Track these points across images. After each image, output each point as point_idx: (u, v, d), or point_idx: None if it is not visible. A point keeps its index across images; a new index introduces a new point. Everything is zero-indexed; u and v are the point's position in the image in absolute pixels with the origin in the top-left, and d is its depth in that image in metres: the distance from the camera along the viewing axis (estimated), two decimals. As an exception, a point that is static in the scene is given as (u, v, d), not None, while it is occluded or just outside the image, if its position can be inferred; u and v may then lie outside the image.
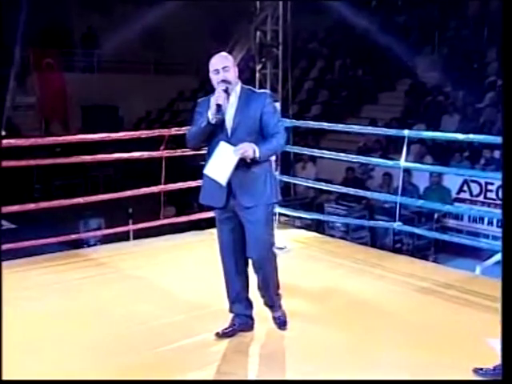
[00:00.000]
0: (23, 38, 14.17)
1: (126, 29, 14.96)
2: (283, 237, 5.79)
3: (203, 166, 3.54)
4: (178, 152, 5.74)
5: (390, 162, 6.27)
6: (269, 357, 3.49)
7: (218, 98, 3.36)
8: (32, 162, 5.74)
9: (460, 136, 5.49)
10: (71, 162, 6.07)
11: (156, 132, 6.03)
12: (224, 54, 3.59)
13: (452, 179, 8.73)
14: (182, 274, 4.85)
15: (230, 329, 3.66)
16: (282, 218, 6.58)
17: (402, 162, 5.38)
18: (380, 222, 6.64)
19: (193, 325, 3.84)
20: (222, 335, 3.63)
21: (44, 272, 4.85)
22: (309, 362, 3.40)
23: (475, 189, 8.63)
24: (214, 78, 3.46)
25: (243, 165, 3.40)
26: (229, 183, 3.43)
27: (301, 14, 8.90)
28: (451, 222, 8.58)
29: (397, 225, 5.40)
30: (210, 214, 6.08)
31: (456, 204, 8.54)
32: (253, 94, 3.57)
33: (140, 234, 6.05)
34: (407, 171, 8.17)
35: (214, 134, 3.49)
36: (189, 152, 5.95)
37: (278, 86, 7.48)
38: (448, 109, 11.16)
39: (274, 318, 3.77)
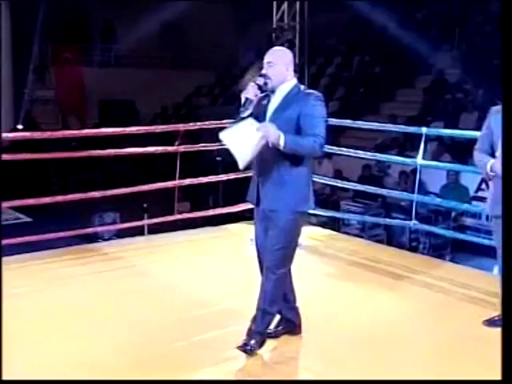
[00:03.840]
0: (42, 32, 14.27)
1: (144, 23, 15.01)
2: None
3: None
4: (195, 147, 5.72)
5: (407, 160, 6.19)
6: (287, 359, 3.43)
7: (246, 90, 3.31)
8: (47, 156, 5.76)
9: (479, 134, 5.37)
10: (86, 156, 6.08)
11: (171, 127, 6.02)
12: (277, 48, 3.54)
13: (470, 178, 8.60)
14: (195, 269, 4.83)
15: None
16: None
17: (419, 160, 5.30)
18: (396, 221, 6.57)
19: (205, 322, 3.82)
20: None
21: (59, 266, 4.85)
22: (323, 363, 3.36)
23: (494, 187, 8.48)
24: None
25: (280, 164, 3.24)
26: (259, 180, 3.32)
27: (319, 10, 8.84)
28: (469, 221, 8.46)
29: (413, 223, 5.33)
30: (224, 211, 6.14)
31: (474, 203, 8.42)
32: (299, 93, 3.34)
33: (155, 229, 6.06)
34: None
35: None
36: (205, 147, 5.95)
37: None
38: (467, 106, 11.00)
39: (244, 344, 3.32)
